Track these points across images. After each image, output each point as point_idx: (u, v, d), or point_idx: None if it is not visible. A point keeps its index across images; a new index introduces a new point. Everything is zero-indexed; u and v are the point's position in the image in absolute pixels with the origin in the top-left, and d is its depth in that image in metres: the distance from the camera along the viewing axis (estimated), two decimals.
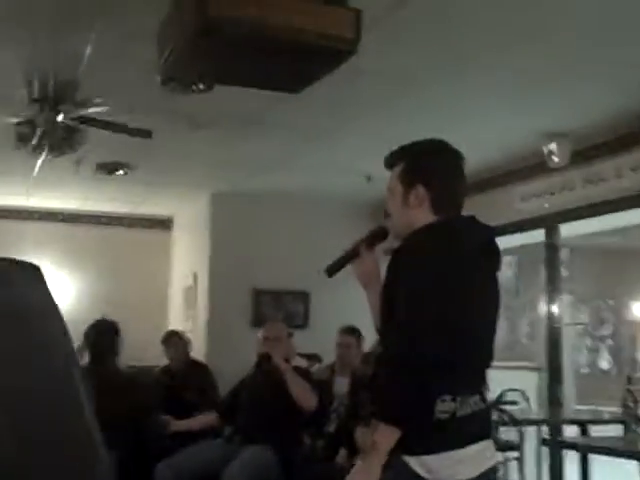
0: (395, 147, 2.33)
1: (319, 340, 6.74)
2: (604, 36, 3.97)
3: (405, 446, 2.03)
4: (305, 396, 4.62)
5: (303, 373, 4.90)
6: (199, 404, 5.27)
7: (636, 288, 11.56)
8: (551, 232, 6.57)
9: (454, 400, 2.02)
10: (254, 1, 3.06)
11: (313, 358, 5.93)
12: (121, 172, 6.62)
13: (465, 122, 5.30)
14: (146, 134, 4.82)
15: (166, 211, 8.91)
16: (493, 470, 2.15)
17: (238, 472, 4.27)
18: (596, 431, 5.67)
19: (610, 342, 12.80)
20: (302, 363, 5.47)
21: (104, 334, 4.95)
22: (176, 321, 8.54)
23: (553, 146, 5.59)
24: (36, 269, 0.84)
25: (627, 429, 4.27)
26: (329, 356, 5.81)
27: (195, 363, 6.12)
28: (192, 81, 4.33)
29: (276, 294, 7.91)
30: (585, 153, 5.76)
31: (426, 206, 2.19)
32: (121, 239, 8.80)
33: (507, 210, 6.56)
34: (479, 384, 2.15)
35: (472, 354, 2.11)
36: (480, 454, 2.08)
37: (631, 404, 4.25)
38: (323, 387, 4.95)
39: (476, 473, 2.05)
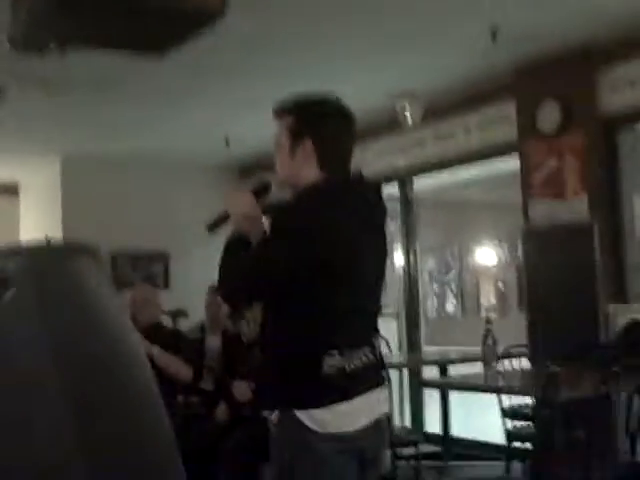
0: (284, 98, 2.26)
1: (181, 300, 6.71)
2: (452, 3, 4.16)
3: (294, 400, 2.06)
4: (179, 371, 4.69)
5: (172, 337, 4.93)
6: None
7: (477, 237, 12.25)
8: (404, 187, 6.86)
9: (341, 354, 2.03)
10: None
11: (179, 314, 5.92)
12: None
13: (320, 83, 5.36)
14: None
15: (12, 176, 8.50)
16: (385, 418, 2.18)
17: None
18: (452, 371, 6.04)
19: (455, 287, 13.51)
20: (168, 322, 5.48)
21: None
22: None
23: (405, 105, 5.80)
24: (94, 254, 0.84)
25: (486, 366, 4.57)
26: (193, 314, 5.84)
27: None
28: (46, 47, 4.15)
29: (134, 257, 7.82)
30: (436, 112, 6.03)
31: (313, 161, 2.16)
32: None
33: (361, 167, 6.76)
34: (368, 335, 2.15)
35: (356, 305, 2.10)
36: (369, 404, 2.10)
37: (490, 343, 4.57)
38: (194, 346, 5.00)
39: (366, 422, 2.08)
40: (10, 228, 8.64)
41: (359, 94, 5.78)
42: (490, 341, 4.72)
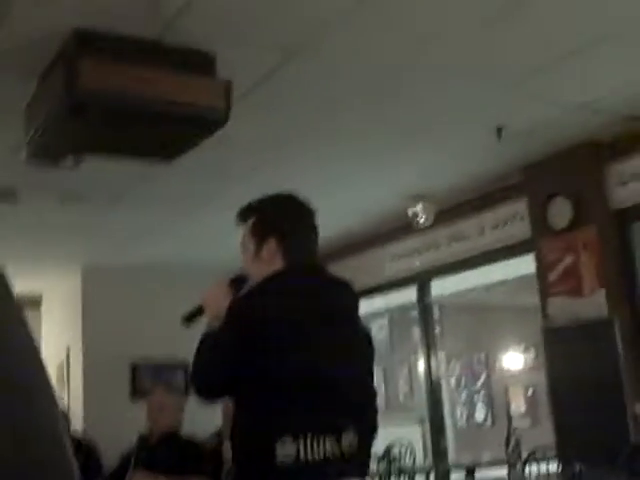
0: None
1: (202, 409, 6.64)
2: (458, 104, 4.25)
3: None
4: None
5: (190, 446, 4.85)
6: None
7: (504, 341, 12.04)
8: (422, 289, 6.83)
9: (296, 442, 1.96)
10: (123, 74, 3.11)
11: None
12: None
13: (332, 188, 5.49)
14: (10, 196, 4.69)
15: (35, 288, 8.59)
16: None
17: None
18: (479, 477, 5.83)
19: (483, 395, 13.16)
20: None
21: None
22: None
23: (418, 208, 5.85)
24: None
25: (511, 470, 4.43)
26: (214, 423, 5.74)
27: (78, 442, 5.89)
28: (60, 156, 4.28)
29: (155, 366, 7.76)
30: (448, 213, 6.07)
31: (278, 259, 2.22)
32: None
33: (377, 271, 6.78)
34: (334, 425, 2.04)
35: (313, 396, 2.05)
36: None
37: (514, 445, 4.45)
38: (214, 456, 4.90)
39: None
40: None
41: (369, 198, 5.88)
42: (513, 443, 4.60)
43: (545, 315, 5.33)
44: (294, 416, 2.01)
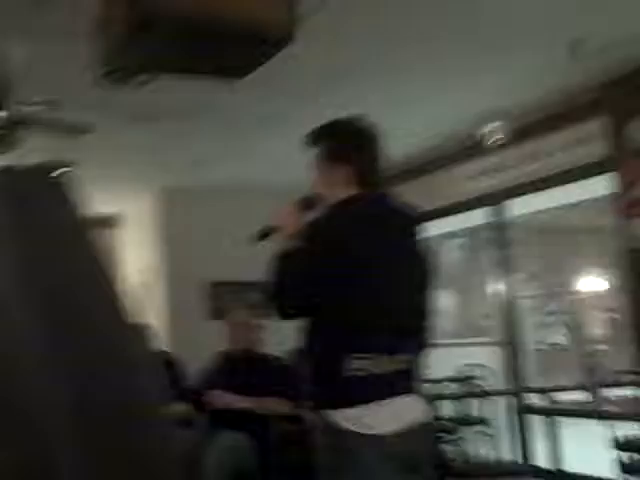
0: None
1: (282, 330, 6.74)
2: (534, 20, 4.09)
3: (325, 401, 2.20)
4: (280, 409, 4.71)
5: (276, 367, 4.99)
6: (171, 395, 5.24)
7: (583, 264, 11.80)
8: (498, 209, 6.70)
9: (367, 358, 2.14)
10: None
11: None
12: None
13: (405, 108, 5.38)
14: (88, 129, 4.71)
15: (113, 208, 8.78)
16: (425, 426, 2.24)
17: (218, 457, 4.35)
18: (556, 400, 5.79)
19: (562, 317, 13.00)
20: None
21: None
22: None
23: (493, 126, 5.70)
24: (58, 184, 0.76)
25: (592, 394, 4.37)
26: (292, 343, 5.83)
27: (164, 354, 6.09)
28: (131, 74, 4.28)
29: (235, 286, 7.89)
30: (523, 131, 5.89)
31: (347, 182, 2.32)
32: None
33: (451, 192, 6.68)
34: (400, 345, 2.23)
35: (383, 316, 2.20)
36: (399, 409, 2.18)
37: (594, 368, 4.37)
38: (293, 373, 5.00)
39: (401, 425, 2.16)
40: (114, 258, 8.88)
41: (441, 117, 5.74)
42: (591, 367, 4.52)
43: (622, 237, 5.16)
44: (363, 337, 2.17)
